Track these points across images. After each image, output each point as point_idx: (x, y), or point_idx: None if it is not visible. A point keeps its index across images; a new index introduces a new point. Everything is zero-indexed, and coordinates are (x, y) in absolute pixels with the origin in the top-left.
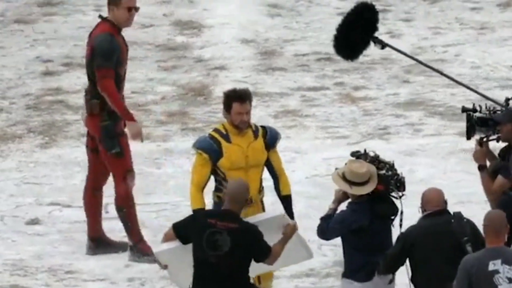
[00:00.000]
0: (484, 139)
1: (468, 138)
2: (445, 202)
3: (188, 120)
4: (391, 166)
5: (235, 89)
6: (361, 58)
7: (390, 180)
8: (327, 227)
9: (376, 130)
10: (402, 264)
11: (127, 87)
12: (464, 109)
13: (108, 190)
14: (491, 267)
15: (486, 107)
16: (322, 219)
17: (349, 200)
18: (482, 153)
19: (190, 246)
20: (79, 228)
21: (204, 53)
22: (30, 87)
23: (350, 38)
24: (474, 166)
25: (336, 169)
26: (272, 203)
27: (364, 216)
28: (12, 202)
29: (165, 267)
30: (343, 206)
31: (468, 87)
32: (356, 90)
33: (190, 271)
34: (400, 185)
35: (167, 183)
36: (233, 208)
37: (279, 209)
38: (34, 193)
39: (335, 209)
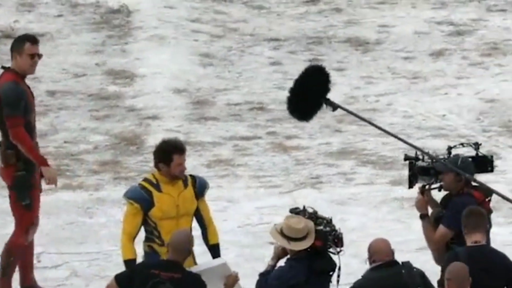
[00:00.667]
0: (426, 187)
1: (410, 187)
2: (393, 252)
3: (121, 169)
4: (328, 222)
5: (173, 142)
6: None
7: (328, 236)
8: (266, 283)
9: (308, 179)
10: None
11: (61, 136)
12: (406, 158)
13: (40, 239)
14: None
15: (428, 156)
16: (261, 275)
17: (288, 256)
18: (423, 202)
19: None
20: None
21: (136, 103)
22: None
23: (303, 101)
24: (406, 215)
25: (275, 224)
26: (201, 253)
27: (302, 271)
28: None
29: None
30: (282, 263)
31: (405, 142)
32: (289, 139)
33: None
34: (338, 240)
35: (99, 232)
36: (177, 258)
37: (221, 258)
38: None
39: (274, 265)
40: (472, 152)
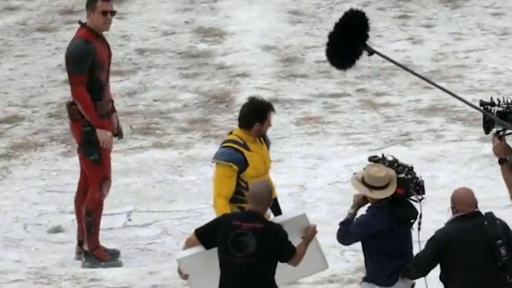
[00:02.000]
0: (502, 133)
1: (487, 132)
2: (476, 203)
3: (210, 127)
4: (410, 170)
5: (265, 100)
6: (382, 64)
7: (409, 184)
8: (347, 232)
9: (398, 136)
10: (434, 267)
11: (150, 95)
12: (482, 103)
13: (130, 197)
14: None
15: (504, 101)
16: (341, 224)
17: (369, 204)
18: (501, 147)
19: (213, 251)
20: (103, 236)
21: (226, 60)
22: (52, 96)
23: (340, 49)
24: (496, 171)
25: (355, 173)
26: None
27: (384, 220)
28: (35, 210)
29: (185, 277)
30: (362, 211)
31: (463, 100)
32: (378, 96)
33: (211, 281)
34: (419, 188)
35: (190, 190)
36: (257, 209)
37: (300, 210)
38: (56, 201)
39: (355, 214)
40: None
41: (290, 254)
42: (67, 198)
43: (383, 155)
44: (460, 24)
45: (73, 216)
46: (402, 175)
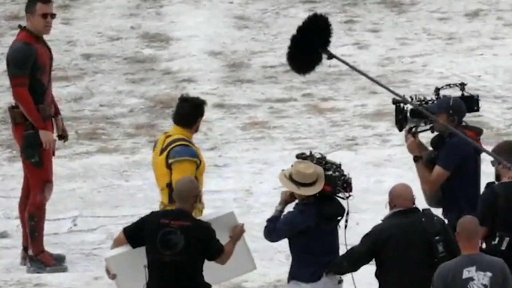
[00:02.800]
0: (415, 130)
1: (400, 129)
2: (414, 199)
3: (156, 132)
4: (338, 167)
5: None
6: (328, 69)
7: (337, 181)
8: (274, 229)
9: (344, 141)
10: (368, 262)
11: (96, 100)
12: (394, 101)
13: (76, 202)
14: (465, 274)
15: (416, 98)
16: (268, 220)
17: (296, 201)
18: (416, 144)
19: (140, 250)
20: (48, 241)
21: (172, 66)
22: None
23: (301, 52)
24: None
25: (283, 170)
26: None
27: (311, 216)
28: None
29: (113, 276)
30: (290, 208)
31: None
32: (324, 101)
33: (138, 280)
34: (347, 185)
35: (135, 195)
36: (185, 206)
37: (229, 208)
38: (2, 207)
39: (282, 211)
40: (459, 93)
41: (218, 253)
42: (13, 203)
43: (311, 152)
44: (406, 29)
45: (18, 222)
46: (330, 172)
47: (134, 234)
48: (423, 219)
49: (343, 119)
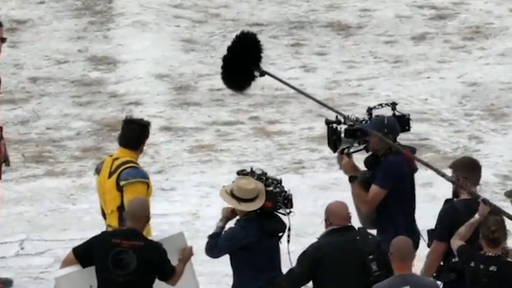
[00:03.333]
0: (351, 150)
1: (335, 150)
2: (350, 217)
3: (103, 155)
4: (278, 183)
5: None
6: (275, 92)
7: (278, 197)
8: (216, 245)
9: (291, 164)
10: (307, 282)
11: (43, 123)
12: (328, 122)
13: (23, 226)
14: None
15: (350, 118)
16: (210, 237)
17: (237, 217)
18: (351, 164)
19: (89, 270)
20: None
21: (118, 88)
22: None
23: (234, 71)
24: None
25: (224, 186)
26: None
27: (253, 232)
28: None
29: None
30: (231, 224)
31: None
32: (271, 124)
33: None
34: (287, 202)
35: (83, 218)
36: (136, 226)
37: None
38: None
39: (223, 227)
40: (390, 112)
41: (169, 273)
42: None
43: (251, 168)
44: (353, 52)
45: None
46: (271, 188)
47: (83, 254)
48: (358, 238)
49: (290, 142)
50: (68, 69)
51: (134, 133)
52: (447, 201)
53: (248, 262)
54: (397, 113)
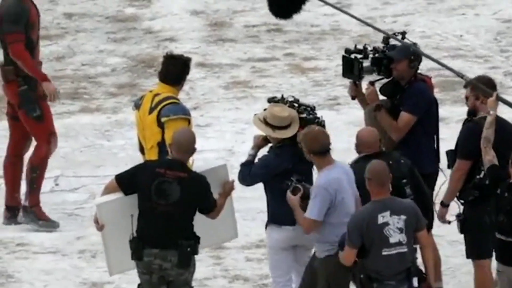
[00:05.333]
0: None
1: (359, 79)
2: (380, 143)
3: (138, 92)
4: (312, 110)
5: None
6: (310, 28)
7: (311, 123)
8: (250, 173)
9: (326, 100)
10: None
11: (78, 59)
12: (348, 51)
13: (58, 162)
14: (380, 220)
15: (370, 48)
16: (242, 165)
17: (270, 145)
18: (375, 93)
19: (131, 198)
20: None
21: (153, 25)
22: None
23: None
24: None
25: (256, 114)
26: None
27: (287, 159)
28: None
29: (101, 228)
30: (263, 152)
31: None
32: (306, 60)
33: (126, 229)
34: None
35: (117, 155)
36: (181, 157)
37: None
38: None
39: (255, 155)
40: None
41: (211, 207)
42: None
43: (282, 95)
44: None
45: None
46: (304, 115)
47: (126, 181)
48: (390, 162)
49: (325, 78)
50: (103, 4)
51: (176, 69)
52: (467, 120)
53: (283, 189)
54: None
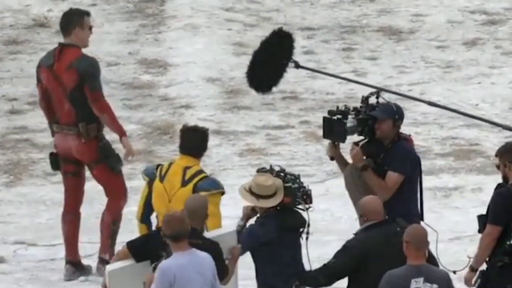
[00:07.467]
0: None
1: (343, 141)
2: (384, 212)
3: (154, 159)
4: (297, 178)
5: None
6: (325, 96)
7: (296, 193)
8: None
9: None
10: (344, 277)
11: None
12: (331, 113)
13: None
14: (413, 285)
15: (352, 108)
16: None
17: (258, 215)
18: (361, 154)
19: (143, 265)
20: (45, 267)
21: (169, 92)
22: None
23: (266, 68)
24: (438, 204)
25: (243, 184)
26: None
27: (272, 228)
28: None
29: None
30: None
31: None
32: (321, 128)
33: None
34: (306, 197)
35: (132, 221)
36: (195, 224)
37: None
38: None
39: (244, 226)
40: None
41: (223, 273)
42: (10, 229)
43: (271, 166)
44: (404, 57)
45: (15, 247)
46: (289, 184)
47: (138, 249)
48: (398, 229)
49: (341, 146)
50: (119, 71)
51: (197, 141)
52: (499, 185)
53: (270, 258)
54: (382, 101)
